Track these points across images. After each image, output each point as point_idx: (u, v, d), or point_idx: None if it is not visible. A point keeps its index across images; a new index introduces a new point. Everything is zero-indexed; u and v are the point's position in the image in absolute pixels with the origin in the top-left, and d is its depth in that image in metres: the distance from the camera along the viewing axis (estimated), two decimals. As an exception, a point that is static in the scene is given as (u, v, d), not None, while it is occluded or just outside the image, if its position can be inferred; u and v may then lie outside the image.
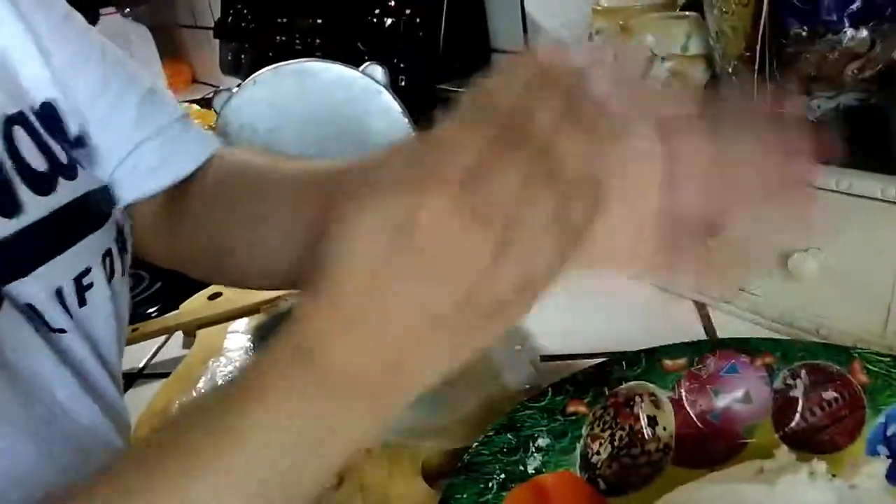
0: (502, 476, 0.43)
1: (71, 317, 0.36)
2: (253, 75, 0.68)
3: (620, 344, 0.60)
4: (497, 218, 0.23)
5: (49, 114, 0.38)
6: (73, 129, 0.40)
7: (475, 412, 0.50)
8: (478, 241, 0.23)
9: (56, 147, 0.38)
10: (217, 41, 1.50)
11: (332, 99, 0.65)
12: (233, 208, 0.46)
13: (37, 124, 0.37)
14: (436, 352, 0.25)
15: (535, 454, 0.45)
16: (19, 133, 0.35)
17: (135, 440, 0.25)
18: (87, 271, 0.37)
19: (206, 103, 1.42)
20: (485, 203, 0.23)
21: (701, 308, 0.64)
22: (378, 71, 0.67)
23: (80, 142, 0.40)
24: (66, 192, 0.36)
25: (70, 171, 0.38)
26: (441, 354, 0.26)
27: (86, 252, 0.37)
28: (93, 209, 0.39)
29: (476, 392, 0.51)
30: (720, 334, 0.60)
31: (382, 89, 0.66)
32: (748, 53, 0.51)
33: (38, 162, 0.36)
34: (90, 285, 0.37)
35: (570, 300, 0.67)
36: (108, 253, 0.39)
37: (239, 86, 1.44)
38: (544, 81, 0.25)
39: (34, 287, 0.34)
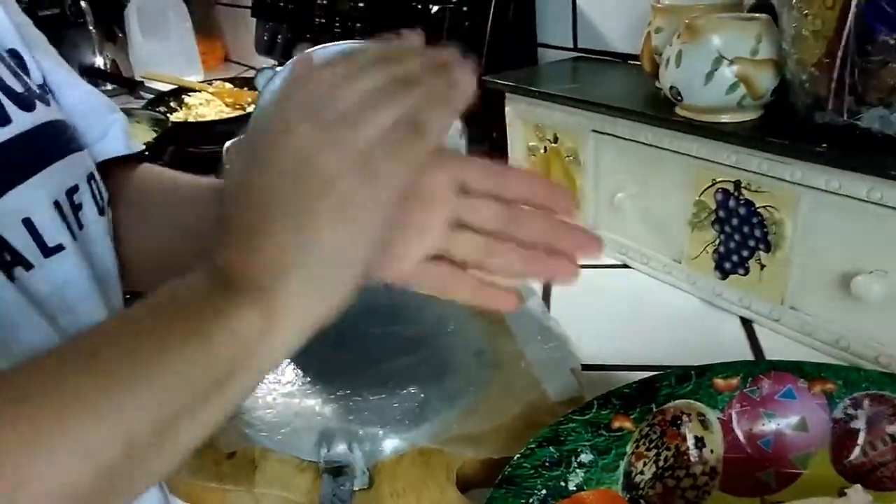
0: (543, 492, 0.40)
1: (72, 234, 0.38)
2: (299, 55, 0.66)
3: (664, 357, 0.57)
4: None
5: (15, 57, 0.41)
6: (36, 77, 0.42)
7: (513, 421, 0.47)
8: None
9: (28, 81, 0.40)
10: (253, 20, 1.49)
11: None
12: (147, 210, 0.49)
13: (8, 60, 0.39)
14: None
15: (578, 470, 0.42)
16: None
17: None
18: (77, 188, 0.39)
19: (239, 82, 1.40)
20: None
21: (747, 325, 0.61)
22: (427, 58, 0.64)
23: (43, 89, 0.42)
24: (44, 113, 0.39)
25: (44, 99, 0.40)
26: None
27: (72, 168, 0.39)
28: (70, 133, 0.41)
29: (515, 400, 0.49)
30: (768, 354, 0.58)
31: (430, 77, 0.63)
32: (827, 60, 0.48)
33: (16, 85, 0.38)
34: (80, 205, 0.39)
35: (612, 310, 0.65)
36: (91, 176, 0.41)
37: (280, 65, 1.42)
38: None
39: (33, 196, 0.35)
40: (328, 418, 0.47)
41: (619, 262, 0.73)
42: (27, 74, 0.42)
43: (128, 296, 0.52)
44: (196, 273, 0.30)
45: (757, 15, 0.57)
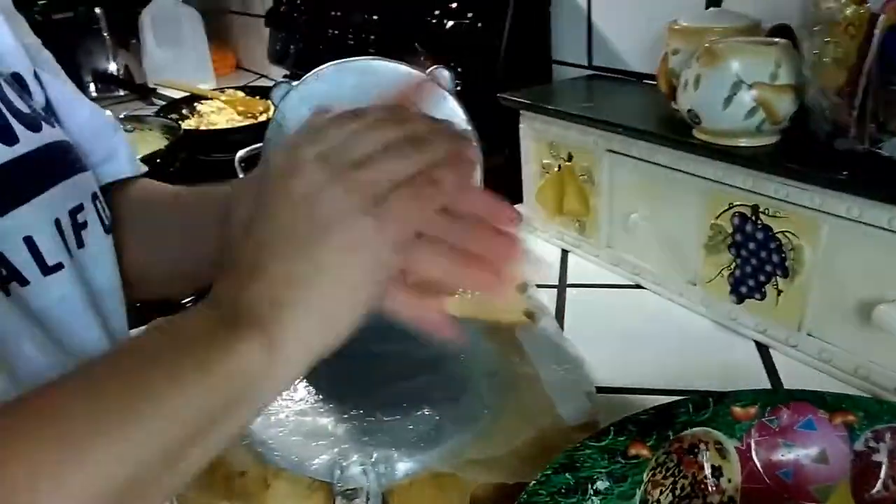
0: (559, 520, 0.40)
1: (70, 253, 0.38)
2: (315, 70, 0.66)
3: (678, 381, 0.57)
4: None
5: (17, 81, 0.41)
6: (39, 99, 0.43)
7: (527, 445, 0.47)
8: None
9: (33, 103, 0.41)
10: (265, 29, 1.50)
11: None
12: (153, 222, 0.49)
13: (14, 85, 0.40)
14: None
15: (594, 497, 0.42)
16: (2, 84, 0.38)
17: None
18: (81, 207, 0.39)
19: (250, 91, 1.41)
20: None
21: (763, 350, 0.61)
22: (445, 75, 0.64)
23: (47, 111, 0.43)
24: (51, 133, 0.39)
25: (50, 121, 0.41)
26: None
27: (77, 188, 0.40)
28: (75, 154, 0.42)
29: (529, 424, 0.48)
30: (784, 380, 0.57)
31: (448, 94, 0.64)
32: (849, 88, 0.48)
33: (23, 106, 0.38)
34: (84, 224, 0.39)
35: (625, 331, 0.65)
36: (96, 196, 0.42)
37: (288, 76, 1.43)
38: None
39: (35, 215, 0.36)
40: (341, 439, 0.47)
41: (632, 283, 0.72)
42: (30, 97, 0.42)
43: (138, 304, 0.52)
44: (201, 306, 0.30)
45: (776, 40, 0.57)
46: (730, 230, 0.61)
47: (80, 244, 0.39)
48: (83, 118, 0.46)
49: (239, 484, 0.46)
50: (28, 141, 0.37)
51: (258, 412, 0.30)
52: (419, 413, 0.48)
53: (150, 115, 1.22)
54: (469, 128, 0.62)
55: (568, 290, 0.72)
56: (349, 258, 0.29)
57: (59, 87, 0.46)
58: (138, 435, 0.25)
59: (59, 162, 0.40)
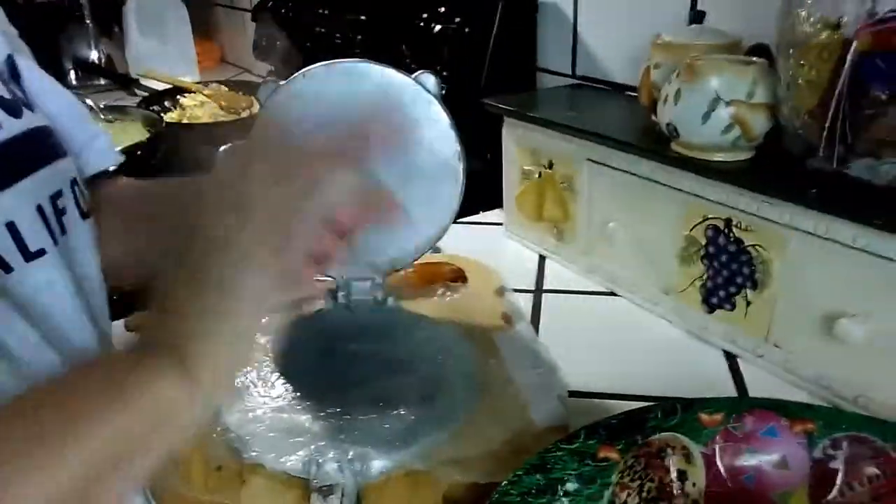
0: (529, 519, 0.41)
1: (54, 240, 0.38)
2: (303, 70, 0.66)
3: (648, 387, 0.58)
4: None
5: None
6: (18, 84, 0.43)
7: (499, 446, 0.48)
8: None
9: (13, 87, 0.41)
10: (251, 23, 1.49)
11: (380, 103, 0.63)
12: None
13: None
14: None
15: (563, 498, 0.43)
16: None
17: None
18: (60, 193, 0.40)
19: (234, 86, 1.40)
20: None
21: (731, 359, 0.63)
22: (431, 80, 0.65)
23: (27, 95, 0.43)
24: (31, 119, 0.40)
25: (30, 106, 0.41)
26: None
27: (58, 175, 0.40)
28: (55, 139, 0.42)
29: (501, 426, 0.50)
30: (750, 388, 0.59)
31: (433, 99, 0.64)
32: (820, 109, 0.50)
33: (4, 92, 0.39)
34: (64, 210, 0.40)
35: (599, 337, 0.66)
36: (75, 181, 0.42)
37: (272, 72, 1.42)
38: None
39: (17, 201, 0.36)
40: (318, 436, 0.47)
41: (607, 290, 0.74)
42: (9, 82, 0.42)
43: (115, 297, 0.52)
44: (133, 345, 0.32)
45: (754, 59, 0.58)
46: (703, 242, 0.63)
47: (63, 230, 0.40)
48: (62, 105, 0.47)
49: (215, 479, 0.46)
50: (10, 127, 0.37)
51: (183, 438, 0.32)
52: (395, 412, 0.49)
53: (131, 106, 1.22)
54: (453, 132, 0.63)
55: (544, 295, 0.73)
56: (256, 290, 0.32)
57: (36, 73, 0.46)
58: (55, 464, 0.27)
59: (40, 147, 0.40)
